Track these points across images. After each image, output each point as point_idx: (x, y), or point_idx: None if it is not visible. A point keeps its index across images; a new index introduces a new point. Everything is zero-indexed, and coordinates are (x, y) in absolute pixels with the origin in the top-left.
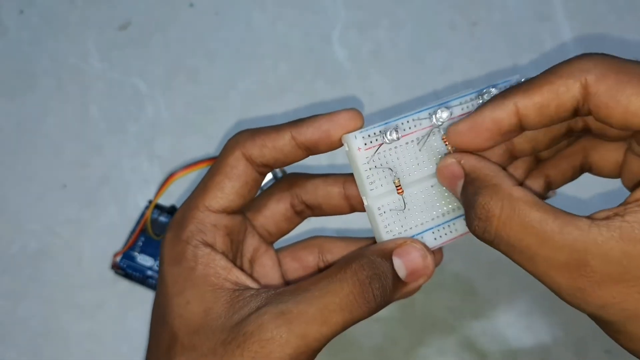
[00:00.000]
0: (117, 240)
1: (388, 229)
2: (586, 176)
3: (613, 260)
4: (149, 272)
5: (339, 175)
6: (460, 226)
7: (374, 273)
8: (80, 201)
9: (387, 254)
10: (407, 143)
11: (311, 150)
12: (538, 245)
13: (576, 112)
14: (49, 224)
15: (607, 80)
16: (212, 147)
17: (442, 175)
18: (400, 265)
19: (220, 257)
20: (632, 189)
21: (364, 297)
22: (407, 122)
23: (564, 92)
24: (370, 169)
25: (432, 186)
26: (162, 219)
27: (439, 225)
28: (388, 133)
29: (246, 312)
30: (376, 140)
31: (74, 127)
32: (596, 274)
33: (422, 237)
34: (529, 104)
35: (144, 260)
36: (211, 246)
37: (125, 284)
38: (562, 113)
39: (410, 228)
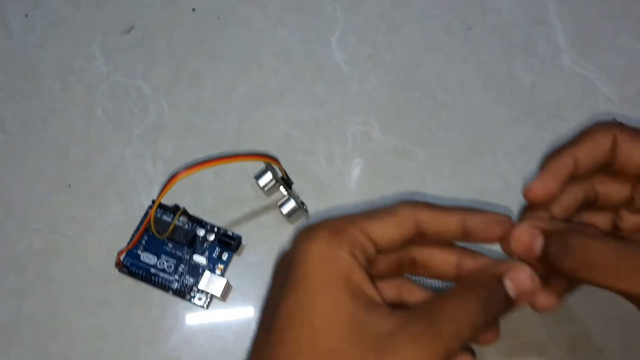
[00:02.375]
0: (122, 238)
1: None
2: None
3: None
4: (153, 270)
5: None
6: None
7: (492, 296)
8: (85, 201)
9: (500, 277)
10: None
11: (467, 237)
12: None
13: (606, 160)
14: (54, 223)
15: (626, 135)
16: (214, 148)
17: (518, 241)
18: (510, 287)
19: (363, 270)
20: None
21: (485, 316)
22: None
23: (602, 141)
24: None
25: None
26: (165, 218)
27: None
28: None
29: (387, 329)
30: None
31: (79, 128)
32: None
33: None
34: (585, 154)
35: (148, 258)
36: (357, 259)
37: (129, 282)
38: (602, 158)
39: None
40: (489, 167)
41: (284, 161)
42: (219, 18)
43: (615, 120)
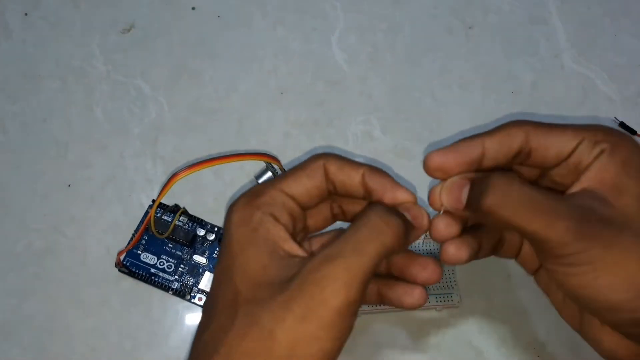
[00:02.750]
0: (121, 238)
1: None
2: None
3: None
4: (153, 270)
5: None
6: None
7: (389, 210)
8: (85, 200)
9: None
10: None
11: (367, 195)
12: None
13: (519, 151)
14: (54, 223)
15: (541, 130)
16: (213, 148)
17: (449, 189)
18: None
19: (281, 227)
20: (524, 266)
21: (387, 224)
22: None
23: (515, 134)
24: None
25: None
26: (165, 217)
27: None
28: None
29: (298, 270)
30: None
31: (79, 127)
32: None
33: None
34: (494, 142)
35: (148, 258)
36: (276, 218)
37: (129, 281)
38: (512, 150)
39: None
40: None
41: (284, 161)
42: (218, 17)
43: (616, 119)
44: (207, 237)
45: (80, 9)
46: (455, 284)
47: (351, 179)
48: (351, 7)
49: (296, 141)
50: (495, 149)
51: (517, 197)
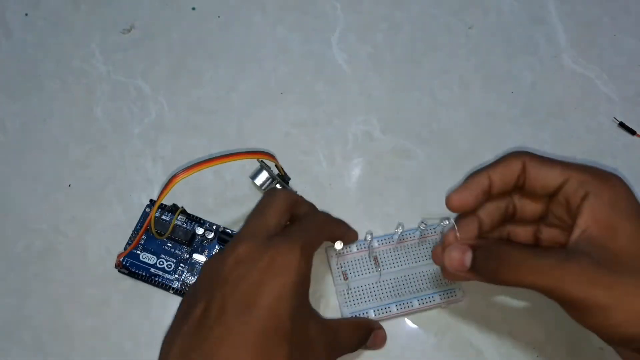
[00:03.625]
0: (121, 239)
1: (345, 304)
2: None
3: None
4: (153, 270)
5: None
6: (393, 310)
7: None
8: (85, 200)
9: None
10: (361, 256)
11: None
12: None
13: (517, 181)
14: (54, 223)
15: (534, 162)
16: (214, 148)
17: (449, 257)
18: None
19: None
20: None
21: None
22: (360, 244)
23: (514, 165)
24: (338, 267)
25: (375, 282)
26: (165, 218)
27: (378, 306)
28: (340, 246)
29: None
30: (342, 252)
31: (79, 128)
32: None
33: (366, 312)
34: (497, 174)
35: (147, 258)
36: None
37: (129, 282)
38: (513, 180)
39: (358, 305)
40: None
41: (283, 161)
42: (219, 17)
43: (615, 119)
44: (206, 235)
45: (80, 10)
46: (428, 286)
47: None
48: (351, 7)
49: (296, 141)
50: (499, 179)
51: (517, 258)
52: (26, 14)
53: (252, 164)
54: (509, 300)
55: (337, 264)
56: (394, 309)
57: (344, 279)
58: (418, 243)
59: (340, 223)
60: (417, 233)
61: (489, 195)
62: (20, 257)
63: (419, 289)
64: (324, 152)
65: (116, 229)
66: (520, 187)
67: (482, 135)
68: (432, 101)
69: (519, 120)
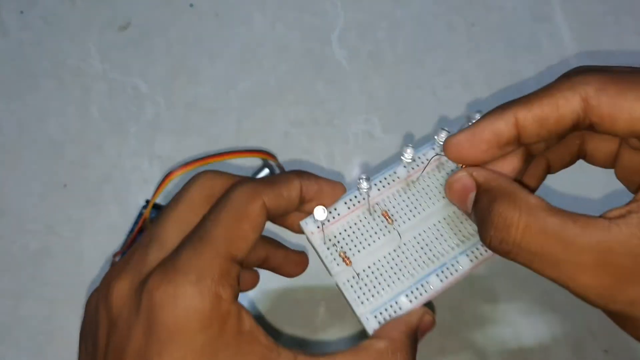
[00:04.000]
0: (117, 239)
1: (358, 301)
2: (585, 176)
3: (639, 256)
4: None
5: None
6: (435, 283)
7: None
8: (81, 201)
9: None
10: (358, 216)
11: (302, 202)
12: (561, 250)
13: (576, 126)
14: (49, 224)
15: (608, 91)
16: (212, 148)
17: (452, 190)
18: None
19: (247, 314)
20: (626, 182)
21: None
22: (355, 197)
23: (563, 105)
24: (328, 248)
25: (394, 250)
26: None
27: (411, 286)
28: (320, 212)
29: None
30: (328, 221)
31: (75, 127)
32: (624, 271)
33: (396, 302)
34: (529, 116)
35: None
36: (238, 302)
37: None
38: (562, 127)
39: (381, 295)
40: None
41: (283, 161)
42: (217, 15)
43: None
44: None
45: (76, 7)
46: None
47: (294, 198)
48: (351, 5)
49: (296, 141)
50: (535, 127)
51: (528, 239)
52: (22, 12)
53: (252, 163)
54: (514, 302)
55: (326, 243)
56: (435, 281)
57: (346, 263)
58: (437, 168)
59: (299, 177)
60: (430, 151)
61: (513, 147)
62: (15, 258)
63: (462, 238)
64: (323, 151)
65: (112, 229)
66: (584, 128)
67: None
68: (434, 100)
69: None
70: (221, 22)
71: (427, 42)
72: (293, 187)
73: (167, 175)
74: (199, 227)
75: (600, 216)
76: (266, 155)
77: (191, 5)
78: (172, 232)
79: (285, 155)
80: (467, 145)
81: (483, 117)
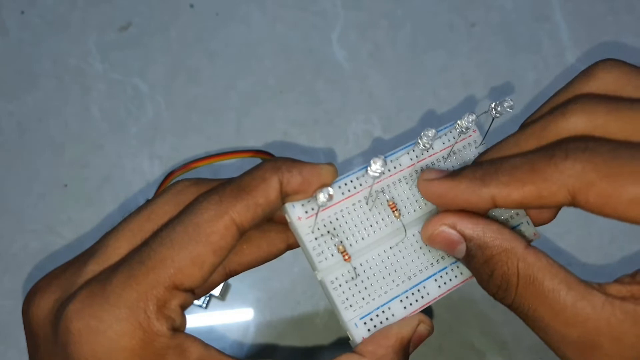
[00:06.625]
0: None
1: (347, 304)
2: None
3: (627, 345)
4: None
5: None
6: (432, 289)
7: None
8: (81, 201)
9: None
10: (354, 204)
11: (286, 199)
12: (550, 317)
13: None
14: (50, 224)
15: (596, 187)
16: (212, 147)
17: (434, 242)
18: None
19: (194, 344)
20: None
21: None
22: (350, 181)
23: (547, 197)
24: (316, 238)
25: (390, 248)
26: None
27: (407, 290)
28: (321, 195)
29: None
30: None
31: (75, 127)
32: (608, 356)
33: (389, 308)
34: (509, 201)
35: None
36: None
37: None
38: (545, 208)
39: (373, 299)
40: None
41: None
42: (217, 14)
43: None
44: None
45: (77, 7)
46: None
47: (274, 201)
48: (351, 4)
49: (296, 140)
50: (515, 206)
51: (522, 300)
52: (22, 12)
53: (252, 163)
54: None
55: (314, 232)
56: (433, 287)
57: (345, 258)
58: (450, 155)
59: (282, 165)
60: (450, 139)
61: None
62: (16, 258)
63: None
64: (324, 151)
65: None
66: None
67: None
68: (434, 99)
69: (522, 120)
70: (221, 21)
71: (428, 41)
72: (271, 189)
73: (168, 175)
74: (144, 246)
75: (603, 286)
76: (266, 155)
77: (191, 5)
78: (122, 243)
79: (285, 155)
80: (449, 195)
81: (460, 177)
